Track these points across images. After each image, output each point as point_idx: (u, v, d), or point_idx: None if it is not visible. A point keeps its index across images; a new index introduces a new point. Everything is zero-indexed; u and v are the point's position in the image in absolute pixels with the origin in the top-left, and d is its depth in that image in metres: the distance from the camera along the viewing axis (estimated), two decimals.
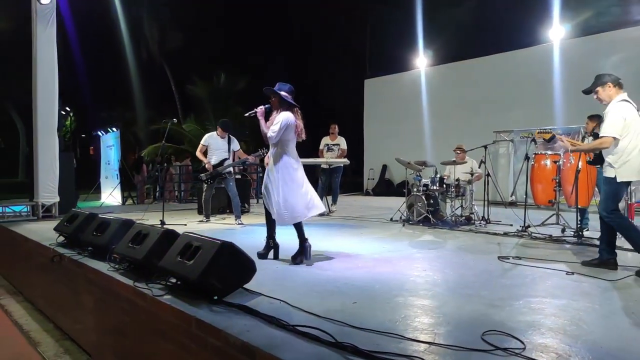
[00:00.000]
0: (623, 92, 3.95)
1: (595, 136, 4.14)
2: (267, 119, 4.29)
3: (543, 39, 12.06)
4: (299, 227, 4.27)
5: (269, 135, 4.14)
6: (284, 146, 4.20)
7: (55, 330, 4.26)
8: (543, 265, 4.06)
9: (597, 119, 6.11)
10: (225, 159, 7.05)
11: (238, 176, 11.30)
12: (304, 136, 4.35)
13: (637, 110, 3.90)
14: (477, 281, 3.54)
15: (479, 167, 7.42)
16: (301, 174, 4.28)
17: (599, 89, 4.00)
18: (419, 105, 14.40)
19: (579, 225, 5.67)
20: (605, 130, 3.83)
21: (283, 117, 4.13)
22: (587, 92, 4.12)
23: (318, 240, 5.40)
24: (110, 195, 13.34)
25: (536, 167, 6.48)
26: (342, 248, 4.94)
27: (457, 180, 7.26)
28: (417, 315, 2.69)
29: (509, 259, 4.37)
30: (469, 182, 7.28)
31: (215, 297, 2.83)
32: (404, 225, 6.91)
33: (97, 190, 14.76)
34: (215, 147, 7.08)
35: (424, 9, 16.25)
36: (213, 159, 7.04)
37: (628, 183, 3.98)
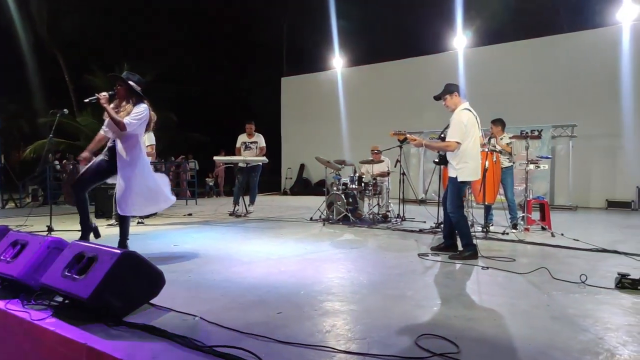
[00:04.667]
0: (466, 101, 4.43)
1: (443, 140, 4.67)
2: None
3: (448, 47, 12.80)
4: (128, 223, 4.24)
5: (127, 122, 3.94)
6: (139, 138, 4.13)
7: None
8: (458, 261, 4.15)
9: (500, 123, 6.52)
10: None
11: None
12: (151, 129, 4.40)
13: (476, 119, 4.39)
14: (402, 280, 3.48)
15: (395, 166, 7.59)
16: None
17: (447, 96, 4.47)
18: (337, 105, 14.53)
19: (486, 222, 5.99)
20: (450, 135, 4.30)
21: (144, 109, 4.08)
22: (437, 98, 4.57)
23: (236, 244, 5.08)
24: None
25: (445, 167, 6.73)
26: (262, 251, 4.65)
27: (375, 178, 7.34)
28: (347, 323, 2.51)
29: (428, 256, 4.41)
30: (382, 174, 7.50)
31: (114, 318, 2.39)
32: (324, 224, 6.80)
33: None
34: None
35: (337, 10, 16.41)
36: None
37: (468, 182, 4.45)
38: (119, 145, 4.05)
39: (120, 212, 4.08)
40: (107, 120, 4.08)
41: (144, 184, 4.07)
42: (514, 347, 2.15)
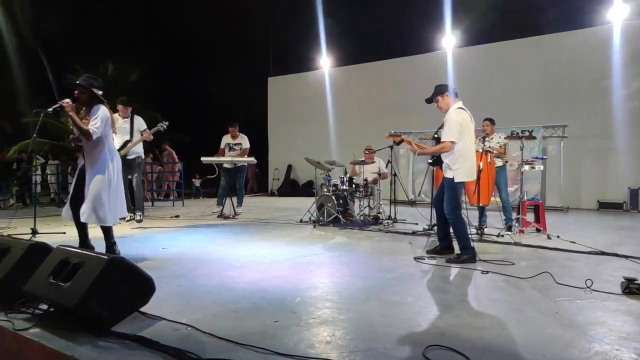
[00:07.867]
0: (459, 100, 4.34)
1: (438, 140, 4.54)
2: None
3: (437, 47, 12.79)
4: (110, 228, 4.07)
5: (91, 130, 3.79)
6: (105, 141, 3.98)
7: None
8: (456, 265, 4.06)
9: (492, 122, 6.45)
10: (128, 142, 6.42)
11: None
12: (115, 130, 4.28)
13: (471, 118, 4.31)
14: (400, 285, 3.37)
15: (386, 167, 7.49)
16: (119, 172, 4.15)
17: (439, 97, 4.36)
18: (324, 105, 14.40)
19: (480, 223, 5.92)
20: (445, 135, 4.21)
21: (102, 111, 3.91)
22: (429, 101, 4.44)
23: (226, 247, 4.93)
24: None
25: (439, 168, 6.64)
26: (253, 255, 4.51)
27: (366, 180, 7.24)
28: (347, 332, 2.38)
29: (424, 259, 4.32)
30: (375, 181, 7.34)
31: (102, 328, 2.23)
32: (314, 226, 6.67)
33: None
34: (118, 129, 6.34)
35: (324, 9, 16.27)
36: (115, 143, 6.23)
37: (464, 182, 4.36)
38: (85, 147, 3.95)
39: (98, 224, 3.92)
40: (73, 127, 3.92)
41: (108, 187, 3.92)
42: (526, 358, 2.05)
